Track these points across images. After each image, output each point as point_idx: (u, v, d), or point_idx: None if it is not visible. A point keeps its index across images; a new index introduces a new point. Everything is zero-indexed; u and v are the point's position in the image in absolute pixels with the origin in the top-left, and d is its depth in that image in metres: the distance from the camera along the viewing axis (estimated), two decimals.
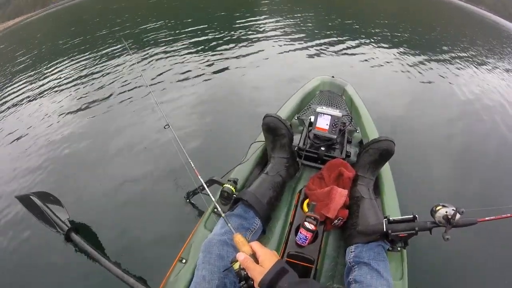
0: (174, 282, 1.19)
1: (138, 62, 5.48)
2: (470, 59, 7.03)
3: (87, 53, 7.39)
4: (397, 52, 6.41)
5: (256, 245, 0.86)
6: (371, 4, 15.08)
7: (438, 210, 1.05)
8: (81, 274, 1.91)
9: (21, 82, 6.54)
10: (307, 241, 1.24)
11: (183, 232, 1.48)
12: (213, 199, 1.23)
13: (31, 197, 2.26)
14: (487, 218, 0.98)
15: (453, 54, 7.15)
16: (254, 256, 0.84)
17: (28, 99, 5.45)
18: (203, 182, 1.35)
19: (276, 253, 0.85)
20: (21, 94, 5.86)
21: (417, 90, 4.54)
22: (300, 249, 1.25)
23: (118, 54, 6.61)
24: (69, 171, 2.99)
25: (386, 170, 1.65)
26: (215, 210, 1.41)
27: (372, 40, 7.19)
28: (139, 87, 4.48)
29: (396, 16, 12.87)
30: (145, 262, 1.83)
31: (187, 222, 1.93)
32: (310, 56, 5.67)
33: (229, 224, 0.99)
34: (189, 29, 7.78)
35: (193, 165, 1.38)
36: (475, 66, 6.52)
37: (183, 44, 6.57)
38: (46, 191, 2.27)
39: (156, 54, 6.09)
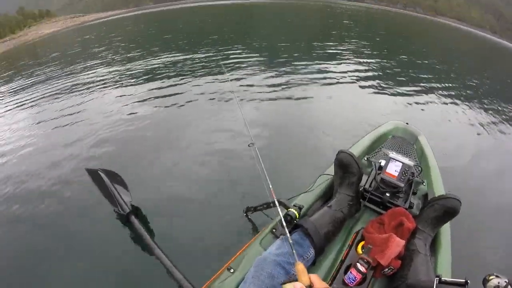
0: None
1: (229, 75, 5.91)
2: None
3: (177, 54, 8.15)
4: (480, 107, 6.00)
5: (315, 278, 0.87)
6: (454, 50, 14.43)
7: (491, 279, 1.03)
8: (131, 255, 2.05)
9: (109, 66, 7.39)
10: (355, 282, 1.25)
11: (234, 243, 1.56)
12: (283, 220, 1.25)
13: (99, 172, 2.50)
14: None
15: None
16: None
17: (114, 82, 6.19)
18: (276, 201, 1.38)
19: None
20: (106, 76, 6.63)
21: (494, 150, 4.19)
22: None
23: (209, 60, 7.18)
24: (140, 157, 3.26)
25: (445, 228, 1.59)
26: (274, 230, 1.47)
27: (457, 89, 6.87)
28: (228, 100, 4.80)
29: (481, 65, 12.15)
30: (191, 260, 1.91)
31: (239, 235, 2.02)
32: (384, 97, 5.62)
33: (293, 251, 1.03)
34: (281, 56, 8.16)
35: (271, 186, 1.41)
36: None
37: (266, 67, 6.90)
38: (115, 171, 2.49)
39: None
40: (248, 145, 1.64)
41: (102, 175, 2.44)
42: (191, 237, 2.15)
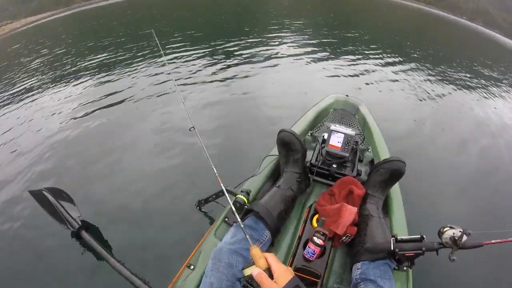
0: (181, 287, 1.21)
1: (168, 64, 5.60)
2: (488, 82, 7.04)
3: (111, 53, 7.63)
4: (413, 73, 6.46)
5: (271, 258, 0.83)
6: (389, 22, 15.22)
7: (446, 231, 1.06)
8: (89, 272, 1.93)
9: (43, 76, 6.77)
10: (315, 256, 1.26)
11: (191, 239, 1.51)
12: (232, 207, 1.24)
13: (43, 192, 2.29)
14: (493, 241, 0.99)
15: (469, 77, 7.17)
16: (268, 270, 0.83)
17: (47, 93, 5.61)
18: (224, 189, 1.35)
19: (291, 269, 0.84)
20: (40, 87, 6.06)
21: (431, 112, 4.53)
22: (307, 263, 1.27)
23: (145, 57, 6.76)
24: (83, 169, 3.04)
25: (395, 189, 1.67)
26: (226, 219, 1.45)
27: (388, 60, 7.26)
28: (168, 93, 4.57)
29: (414, 35, 12.96)
30: (152, 265, 1.85)
31: (196, 230, 1.95)
32: (325, 73, 5.75)
33: (247, 236, 1.00)
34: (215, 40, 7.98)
35: (216, 174, 1.39)
36: (493, 89, 6.52)
37: (199, 53, 6.70)
38: (59, 188, 2.31)
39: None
40: (189, 129, 1.61)
41: (47, 194, 2.25)
42: (147, 242, 2.07)
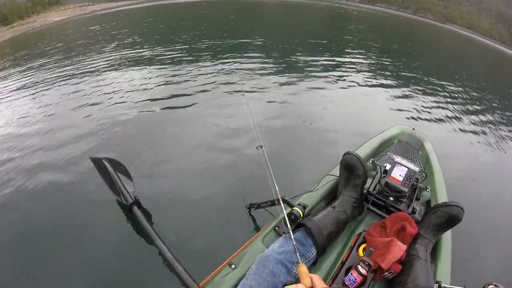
0: (219, 283, 1.25)
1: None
2: None
3: (183, 52, 8.13)
4: (488, 117, 5.95)
5: (317, 279, 0.88)
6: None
7: None
8: (132, 246, 2.06)
9: (117, 58, 7.45)
10: (355, 284, 1.26)
11: (235, 239, 1.56)
12: (286, 218, 1.26)
13: (103, 161, 2.48)
14: None
15: None
16: None
17: (122, 75, 6.21)
18: (281, 199, 1.39)
19: None
20: (113, 67, 6.67)
21: (497, 161, 4.17)
22: None
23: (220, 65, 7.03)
24: (146, 150, 3.26)
25: (447, 235, 1.60)
26: (276, 228, 1.48)
27: (463, 99, 6.75)
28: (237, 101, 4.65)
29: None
30: (192, 255, 1.90)
31: (241, 231, 2.03)
32: (392, 102, 5.58)
33: (297, 253, 1.03)
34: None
35: (275, 183, 1.43)
36: None
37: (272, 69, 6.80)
38: (119, 161, 2.48)
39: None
40: (256, 148, 1.66)
41: (106, 164, 2.42)
42: (193, 231, 2.15)
